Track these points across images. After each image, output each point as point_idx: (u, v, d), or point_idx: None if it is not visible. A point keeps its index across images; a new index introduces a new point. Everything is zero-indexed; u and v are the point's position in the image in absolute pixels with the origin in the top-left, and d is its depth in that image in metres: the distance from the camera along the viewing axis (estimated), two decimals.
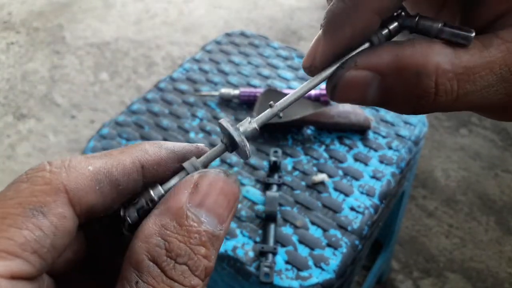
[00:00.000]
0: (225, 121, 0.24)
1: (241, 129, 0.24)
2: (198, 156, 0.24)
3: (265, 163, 0.88)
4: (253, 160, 0.89)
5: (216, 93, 1.01)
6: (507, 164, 1.83)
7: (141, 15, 2.63)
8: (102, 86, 2.21)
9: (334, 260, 0.74)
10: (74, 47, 2.42)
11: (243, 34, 1.21)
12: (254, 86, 1.06)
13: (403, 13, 0.24)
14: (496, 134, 1.94)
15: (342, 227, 0.78)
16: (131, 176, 0.23)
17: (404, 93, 0.23)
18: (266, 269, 0.72)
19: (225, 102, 1.01)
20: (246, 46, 1.18)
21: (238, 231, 0.78)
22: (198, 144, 0.25)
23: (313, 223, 0.79)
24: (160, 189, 0.23)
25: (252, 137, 0.24)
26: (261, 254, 0.74)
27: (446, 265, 1.55)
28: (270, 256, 0.73)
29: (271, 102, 0.24)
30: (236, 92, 1.00)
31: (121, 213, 0.23)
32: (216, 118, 0.98)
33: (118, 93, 2.19)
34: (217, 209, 0.22)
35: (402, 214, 1.27)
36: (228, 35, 1.21)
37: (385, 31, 0.24)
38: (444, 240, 1.62)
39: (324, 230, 0.78)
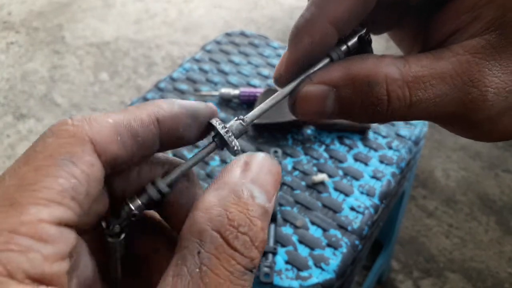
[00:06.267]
0: (215, 120, 0.26)
1: (228, 126, 0.26)
2: (206, 114, 0.26)
3: None
4: None
5: (216, 93, 1.01)
6: (507, 164, 1.83)
7: (141, 15, 2.63)
8: (102, 86, 2.21)
9: (334, 260, 0.74)
10: (74, 47, 2.42)
11: (243, 34, 1.21)
12: (254, 86, 1.05)
13: (363, 31, 0.27)
14: None
15: (342, 227, 0.78)
16: (149, 128, 0.24)
17: (359, 102, 0.25)
18: (266, 269, 0.71)
19: (225, 102, 1.01)
20: (246, 46, 1.17)
21: None
22: (208, 103, 0.27)
23: (313, 223, 0.79)
24: (138, 201, 0.24)
25: (240, 133, 0.26)
26: None
27: (446, 265, 1.55)
28: (270, 256, 0.73)
29: (240, 116, 0.26)
30: (236, 92, 0.99)
31: (103, 225, 0.24)
32: None
33: (118, 93, 2.18)
34: (266, 186, 0.23)
35: (402, 214, 1.27)
36: (228, 35, 1.21)
37: (344, 47, 0.26)
38: (444, 240, 1.62)
39: (324, 230, 0.78)
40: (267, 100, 0.26)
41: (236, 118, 0.26)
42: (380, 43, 2.20)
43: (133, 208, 0.24)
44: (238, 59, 1.13)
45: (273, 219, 0.78)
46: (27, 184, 0.19)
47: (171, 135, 0.25)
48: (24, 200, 0.19)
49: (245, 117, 0.26)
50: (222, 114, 0.99)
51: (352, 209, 0.81)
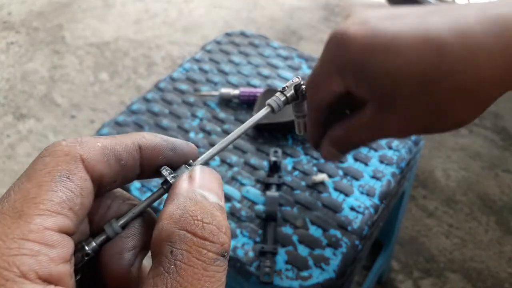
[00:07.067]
0: (163, 168, 0.28)
1: (176, 172, 0.28)
2: (186, 150, 0.29)
3: (265, 163, 0.88)
4: (253, 160, 0.89)
5: (216, 93, 1.01)
6: (507, 164, 1.83)
7: (141, 15, 2.63)
8: (102, 86, 2.21)
9: (334, 260, 0.74)
10: (74, 47, 2.42)
11: (243, 34, 1.21)
12: (254, 86, 1.05)
13: (299, 81, 0.34)
14: (496, 134, 1.94)
15: (342, 227, 0.78)
16: (131, 154, 0.27)
17: None
18: (266, 269, 0.71)
19: (225, 102, 1.01)
20: (246, 46, 1.17)
21: (238, 231, 0.78)
22: (190, 144, 0.29)
23: (313, 223, 0.79)
24: (93, 242, 0.26)
25: None
26: (261, 254, 0.74)
27: (446, 265, 1.55)
28: (270, 256, 0.73)
29: (190, 161, 0.29)
30: (236, 92, 0.99)
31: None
32: (216, 118, 0.98)
33: (118, 93, 2.18)
34: (213, 188, 0.25)
35: (402, 214, 1.27)
36: (228, 35, 1.21)
37: (283, 98, 0.34)
38: (444, 240, 1.62)
39: (324, 230, 0.78)
40: (217, 144, 0.30)
41: (185, 163, 0.29)
42: None
43: (87, 248, 0.26)
44: (238, 59, 1.13)
45: (273, 219, 0.78)
46: (31, 198, 0.22)
47: (151, 163, 0.28)
48: (31, 212, 0.21)
49: (194, 162, 0.29)
50: (222, 114, 0.99)
51: (352, 209, 0.81)
